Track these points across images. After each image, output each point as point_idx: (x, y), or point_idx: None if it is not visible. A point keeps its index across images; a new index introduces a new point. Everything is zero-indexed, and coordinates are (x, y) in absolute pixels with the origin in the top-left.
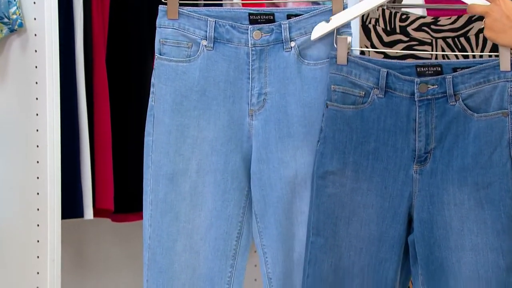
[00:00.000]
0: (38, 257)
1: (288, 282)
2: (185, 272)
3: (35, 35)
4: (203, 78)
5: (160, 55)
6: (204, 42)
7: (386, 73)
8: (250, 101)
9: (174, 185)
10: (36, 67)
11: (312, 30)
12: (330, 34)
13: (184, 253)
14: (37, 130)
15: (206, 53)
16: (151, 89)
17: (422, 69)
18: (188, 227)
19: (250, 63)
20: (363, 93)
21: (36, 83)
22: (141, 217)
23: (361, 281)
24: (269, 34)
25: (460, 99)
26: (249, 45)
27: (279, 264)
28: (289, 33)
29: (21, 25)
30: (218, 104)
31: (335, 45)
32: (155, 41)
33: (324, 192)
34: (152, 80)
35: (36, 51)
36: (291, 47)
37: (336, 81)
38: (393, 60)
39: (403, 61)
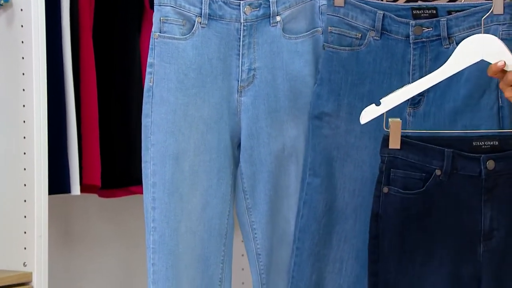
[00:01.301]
0: (25, 232)
1: (275, 256)
2: (187, 253)
3: (21, 10)
4: (198, 55)
5: (161, 33)
6: (199, 19)
7: (382, 15)
8: (240, 77)
9: (178, 165)
10: (22, 42)
11: (295, 3)
12: (311, 5)
13: (186, 233)
14: (24, 106)
15: (200, 30)
16: (149, 69)
17: (417, 11)
18: (188, 207)
19: (241, 39)
20: (360, 35)
21: (23, 58)
22: (128, 193)
23: (353, 222)
24: (257, 9)
25: (454, 42)
26: (241, 20)
27: (269, 239)
28: (276, 7)
29: (7, 0)
30: (212, 81)
31: None
32: (154, 19)
33: (320, 133)
34: (150, 60)
35: (22, 26)
36: (277, 21)
37: (333, 23)
38: (389, 3)
39: (399, 4)
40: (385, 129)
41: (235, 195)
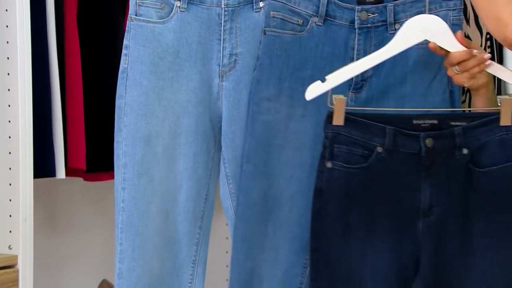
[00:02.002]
0: (10, 216)
1: None
2: (157, 234)
3: None
4: (176, 39)
5: (136, 16)
6: (178, 3)
7: (326, 0)
8: (221, 62)
9: (150, 147)
10: (7, 26)
11: None
12: None
13: (157, 215)
14: (9, 90)
15: (179, 14)
16: (124, 51)
17: None
18: (161, 189)
19: (222, 24)
20: (301, 21)
21: (7, 42)
22: (113, 177)
23: (289, 209)
24: None
25: (400, 27)
26: (222, 5)
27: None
28: None
29: None
30: (191, 66)
31: None
32: (130, 2)
33: (258, 119)
34: (126, 42)
35: (6, 10)
36: (261, 7)
37: (275, 8)
38: None
39: None
40: (329, 106)
41: (218, 180)
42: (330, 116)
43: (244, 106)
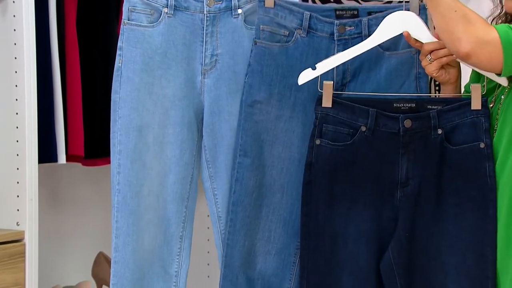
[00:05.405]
0: (18, 196)
1: None
2: (148, 213)
3: (13, 1)
4: (165, 41)
5: (129, 20)
6: (166, 10)
7: (309, 15)
8: (204, 61)
9: (142, 136)
10: (14, 30)
11: None
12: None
13: (148, 196)
14: (16, 86)
15: (167, 19)
16: (118, 52)
17: (340, 12)
18: (152, 173)
19: (204, 28)
20: (287, 32)
21: (15, 44)
22: (108, 162)
23: (281, 196)
24: (220, 2)
25: None
26: (204, 12)
27: (228, 203)
28: (238, 1)
29: None
30: (177, 64)
31: None
32: (123, 8)
33: (251, 119)
34: (120, 43)
35: (14, 16)
36: (239, 14)
37: (264, 22)
38: (315, 4)
39: (323, 5)
40: (319, 90)
41: (200, 164)
42: (320, 99)
43: (223, 101)
